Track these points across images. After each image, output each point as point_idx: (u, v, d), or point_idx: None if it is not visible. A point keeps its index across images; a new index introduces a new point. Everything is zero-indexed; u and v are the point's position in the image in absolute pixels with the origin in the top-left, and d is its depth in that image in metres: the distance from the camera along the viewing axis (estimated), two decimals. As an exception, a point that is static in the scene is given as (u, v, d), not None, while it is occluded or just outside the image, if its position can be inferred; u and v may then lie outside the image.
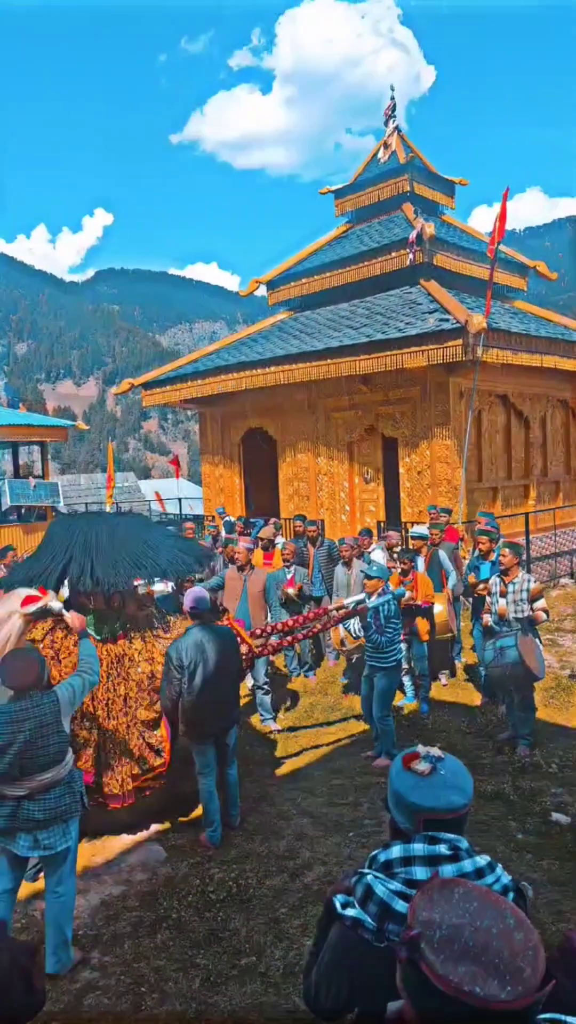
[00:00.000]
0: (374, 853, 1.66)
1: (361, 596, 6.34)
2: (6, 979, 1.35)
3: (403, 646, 7.23)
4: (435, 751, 1.72)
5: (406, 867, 1.57)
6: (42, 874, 4.10)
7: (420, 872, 1.55)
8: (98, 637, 4.92)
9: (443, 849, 1.56)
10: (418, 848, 1.58)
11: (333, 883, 4.10)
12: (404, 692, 7.59)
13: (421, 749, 1.72)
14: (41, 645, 4.73)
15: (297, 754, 6.64)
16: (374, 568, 6.27)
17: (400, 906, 1.51)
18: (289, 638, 6.25)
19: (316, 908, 3.99)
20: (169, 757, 4.88)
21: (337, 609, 6.45)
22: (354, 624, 6.46)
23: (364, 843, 4.76)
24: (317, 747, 6.71)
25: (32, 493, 15.81)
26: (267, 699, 7.21)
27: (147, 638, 5.13)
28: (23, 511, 16.22)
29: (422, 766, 1.67)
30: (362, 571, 6.59)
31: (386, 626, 6.07)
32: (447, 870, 1.51)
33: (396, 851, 1.60)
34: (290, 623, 6.21)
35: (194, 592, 4.99)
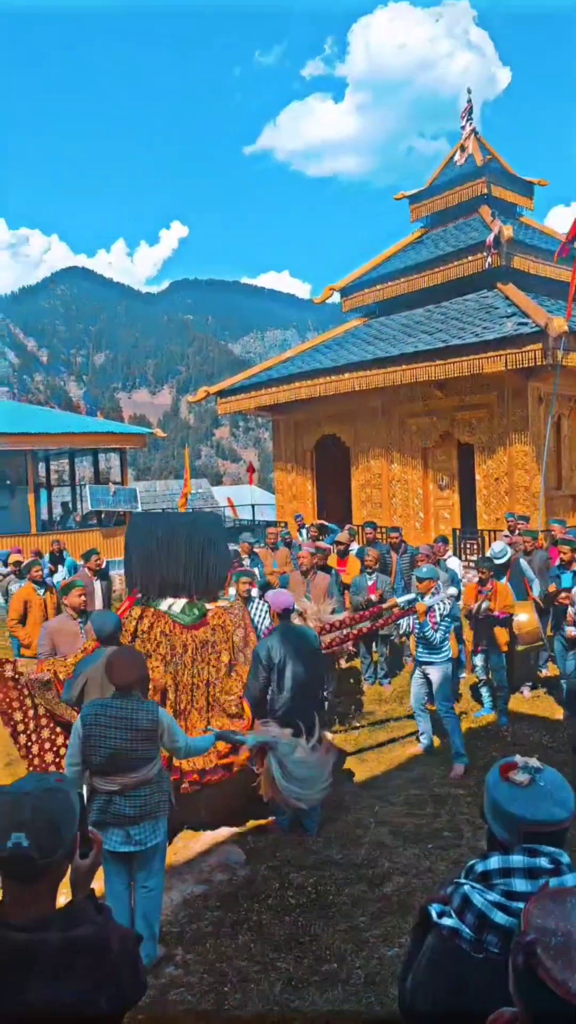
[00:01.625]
0: (471, 863, 1.64)
1: (413, 596, 6.54)
2: (117, 962, 1.41)
3: (479, 657, 7.14)
4: (533, 761, 1.68)
5: (505, 879, 1.54)
6: None
7: (520, 884, 1.52)
8: (184, 623, 5.27)
9: (544, 862, 1.53)
10: (517, 860, 1.55)
11: (413, 894, 4.04)
12: (482, 703, 7.45)
13: (519, 759, 1.69)
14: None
15: (371, 748, 6.70)
16: (423, 570, 6.56)
17: (499, 917, 1.49)
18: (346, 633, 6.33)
19: (396, 919, 3.96)
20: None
21: (391, 608, 6.61)
22: (405, 621, 6.73)
23: (443, 855, 4.69)
24: (392, 744, 6.65)
25: (112, 499, 16.34)
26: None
27: (227, 626, 5.46)
28: (103, 516, 16.78)
29: (520, 776, 1.63)
30: (414, 575, 6.80)
31: (440, 623, 6.19)
32: (550, 883, 1.48)
33: (494, 862, 1.58)
34: (346, 620, 6.29)
35: (282, 597, 5.09)
